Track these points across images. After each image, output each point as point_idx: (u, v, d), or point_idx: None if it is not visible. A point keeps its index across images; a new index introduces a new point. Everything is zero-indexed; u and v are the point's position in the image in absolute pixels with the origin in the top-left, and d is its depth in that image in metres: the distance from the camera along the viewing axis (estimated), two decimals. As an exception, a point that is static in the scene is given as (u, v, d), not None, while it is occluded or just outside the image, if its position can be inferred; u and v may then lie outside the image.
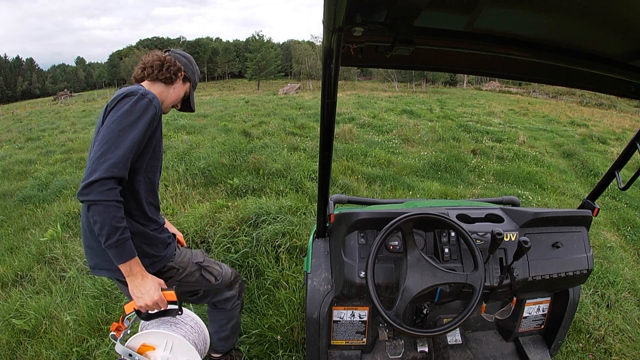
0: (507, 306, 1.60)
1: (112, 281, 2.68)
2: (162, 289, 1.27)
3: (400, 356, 1.75)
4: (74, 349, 2.25)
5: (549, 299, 1.81)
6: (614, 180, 1.64)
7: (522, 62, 1.30)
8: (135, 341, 1.24)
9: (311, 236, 1.80)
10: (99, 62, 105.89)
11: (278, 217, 3.56)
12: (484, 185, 6.19)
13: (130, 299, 1.29)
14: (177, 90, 1.56)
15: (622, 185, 1.55)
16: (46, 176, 6.46)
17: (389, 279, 1.40)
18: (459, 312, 1.27)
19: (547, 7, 0.84)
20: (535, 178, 6.65)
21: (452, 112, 15.78)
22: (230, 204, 4.07)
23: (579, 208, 1.75)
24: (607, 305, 2.90)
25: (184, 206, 4.41)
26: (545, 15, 0.88)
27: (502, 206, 1.72)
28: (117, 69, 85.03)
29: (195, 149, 7.36)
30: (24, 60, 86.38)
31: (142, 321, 1.32)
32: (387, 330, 1.72)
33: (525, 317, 1.80)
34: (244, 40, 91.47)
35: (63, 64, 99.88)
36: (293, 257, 3.09)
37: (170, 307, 1.29)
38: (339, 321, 1.69)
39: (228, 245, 3.20)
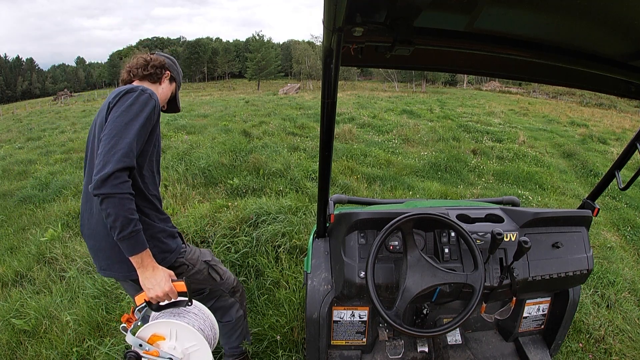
0: (507, 306, 1.60)
1: (115, 281, 2.69)
2: (172, 280, 1.29)
3: (400, 356, 1.75)
4: (74, 349, 2.25)
5: (549, 299, 1.81)
6: (614, 181, 1.64)
7: (522, 62, 1.30)
8: (145, 331, 1.25)
9: (311, 236, 1.81)
10: (99, 62, 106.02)
11: (278, 217, 3.56)
12: (484, 185, 6.19)
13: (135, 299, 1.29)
14: (165, 90, 1.62)
15: (622, 186, 1.55)
16: (46, 176, 6.46)
17: (389, 279, 1.40)
18: (459, 312, 1.27)
19: (547, 7, 0.84)
20: (535, 178, 6.65)
21: (452, 112, 15.78)
22: (230, 204, 4.07)
23: (579, 208, 1.75)
24: (607, 305, 2.90)
25: (184, 206, 4.41)
26: (545, 15, 0.88)
27: (502, 206, 1.72)
28: (117, 69, 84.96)
29: (195, 149, 7.36)
30: (24, 60, 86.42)
31: (153, 312, 1.33)
32: (387, 330, 1.72)
33: (525, 317, 1.80)
34: (244, 40, 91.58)
35: (63, 64, 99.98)
36: (293, 257, 3.09)
37: (180, 298, 1.31)
38: (339, 321, 1.69)
39: (228, 245, 3.20)
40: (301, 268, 2.92)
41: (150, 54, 1.62)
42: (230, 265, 3.00)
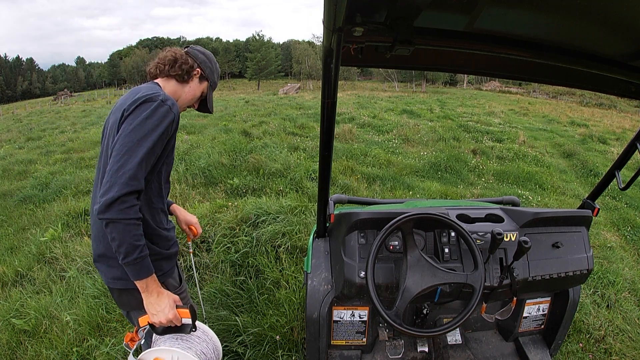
0: (508, 306, 1.60)
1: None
2: (177, 306, 1.27)
3: (400, 356, 1.75)
4: (74, 349, 2.25)
5: (549, 299, 1.81)
6: (614, 181, 1.64)
7: (522, 62, 1.30)
8: (147, 356, 1.24)
9: (311, 236, 1.80)
10: (99, 62, 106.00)
11: (278, 217, 3.56)
12: (484, 185, 6.19)
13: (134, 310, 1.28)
14: (193, 89, 1.49)
15: (622, 186, 1.55)
16: (46, 176, 6.46)
17: (389, 279, 1.40)
18: (459, 312, 1.27)
19: (547, 7, 0.84)
20: (535, 178, 6.65)
21: (452, 112, 15.78)
22: (230, 204, 4.07)
23: (579, 208, 1.75)
24: (607, 305, 2.90)
25: (184, 206, 4.41)
26: (545, 15, 0.88)
27: (502, 206, 1.72)
28: (117, 69, 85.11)
29: (195, 148, 7.36)
30: (24, 60, 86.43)
31: (155, 335, 1.32)
32: (387, 330, 1.72)
33: (525, 317, 1.80)
34: (244, 40, 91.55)
35: (63, 64, 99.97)
36: (293, 257, 3.09)
37: (184, 321, 1.29)
38: (339, 321, 1.69)
39: (228, 245, 3.20)
40: (301, 268, 2.92)
41: (185, 47, 1.50)
42: (230, 265, 3.01)
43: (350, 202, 2.04)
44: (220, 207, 3.96)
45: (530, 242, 1.26)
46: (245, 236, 3.30)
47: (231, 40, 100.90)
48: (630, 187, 1.83)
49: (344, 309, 1.67)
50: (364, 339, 1.73)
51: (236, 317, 2.38)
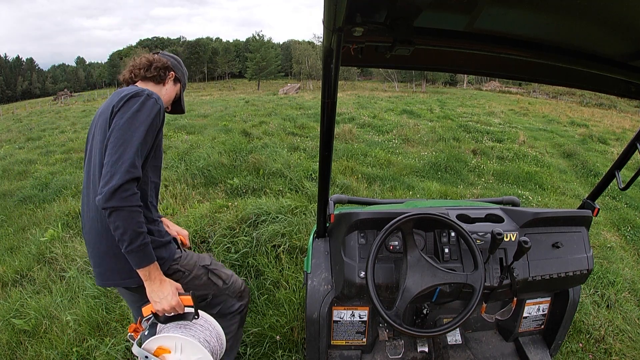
0: (508, 307, 1.60)
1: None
2: (179, 294, 1.29)
3: (400, 356, 1.75)
4: (74, 349, 2.25)
5: (549, 299, 1.81)
6: (614, 181, 1.64)
7: (522, 62, 1.30)
8: (152, 344, 1.25)
9: (311, 236, 1.80)
10: (99, 62, 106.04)
11: (278, 217, 3.55)
12: (484, 185, 6.19)
13: (135, 309, 1.28)
14: (169, 91, 1.57)
15: (622, 186, 1.55)
16: (46, 176, 6.46)
17: (389, 279, 1.40)
18: (459, 312, 1.27)
19: (547, 7, 0.84)
20: (535, 178, 6.65)
21: (452, 112, 15.78)
22: (230, 204, 4.07)
23: (579, 208, 1.75)
24: (607, 306, 2.90)
25: (184, 206, 4.41)
26: (545, 15, 0.88)
27: (502, 206, 1.72)
28: (117, 69, 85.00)
29: (195, 148, 7.36)
30: (24, 60, 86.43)
31: (160, 324, 1.33)
32: (387, 330, 1.72)
33: (525, 317, 1.80)
34: (244, 40, 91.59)
35: (63, 64, 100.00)
36: (293, 257, 3.09)
37: (187, 310, 1.31)
38: (339, 321, 1.69)
39: (228, 245, 3.20)
40: (301, 268, 2.92)
41: (154, 53, 1.57)
42: (230, 265, 3.00)
43: (350, 202, 2.04)
44: (220, 207, 3.96)
45: (530, 242, 1.26)
46: (245, 236, 3.30)
47: (231, 40, 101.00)
48: (630, 187, 1.83)
49: (344, 309, 1.67)
50: (364, 339, 1.73)
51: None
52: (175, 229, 1.76)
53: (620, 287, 3.16)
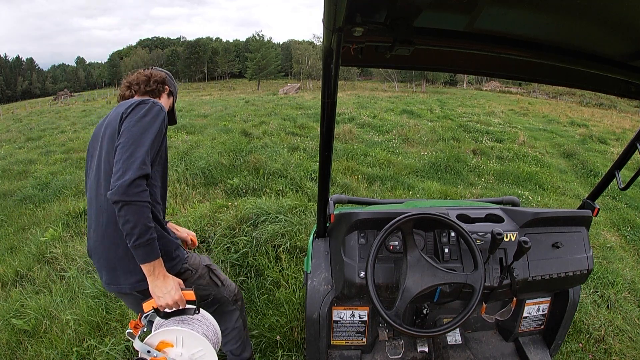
0: (508, 307, 1.60)
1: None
2: (182, 289, 1.31)
3: (400, 356, 1.75)
4: (74, 349, 2.25)
5: (549, 299, 1.81)
6: (614, 181, 1.64)
7: (522, 62, 1.30)
8: (153, 339, 1.26)
9: (311, 236, 1.80)
10: (99, 62, 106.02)
11: (278, 217, 3.55)
12: (484, 185, 6.19)
13: (137, 312, 1.29)
14: (165, 103, 1.66)
15: (622, 186, 1.55)
16: (46, 176, 6.46)
17: (389, 279, 1.40)
18: (459, 312, 1.27)
19: (547, 7, 0.84)
20: (535, 178, 6.65)
21: (452, 112, 15.77)
22: (230, 203, 4.07)
23: (579, 208, 1.75)
24: (607, 306, 2.90)
25: (184, 206, 4.42)
26: (545, 15, 0.88)
27: (502, 206, 1.72)
28: (117, 69, 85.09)
29: (195, 148, 7.36)
30: (24, 60, 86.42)
31: (157, 319, 1.34)
32: (387, 330, 1.72)
33: (525, 317, 1.80)
34: (244, 40, 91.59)
35: (63, 64, 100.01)
36: (293, 257, 3.09)
37: (188, 305, 1.33)
38: (339, 321, 1.69)
39: (228, 245, 3.20)
40: (301, 268, 2.92)
41: (148, 69, 1.67)
42: (230, 265, 3.00)
43: (350, 202, 2.04)
44: (220, 207, 3.96)
45: (530, 242, 1.26)
46: (245, 236, 3.30)
47: (231, 40, 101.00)
48: (630, 187, 1.83)
49: (344, 309, 1.67)
50: (364, 339, 1.73)
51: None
52: (184, 231, 1.86)
53: (620, 287, 3.16)
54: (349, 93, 29.05)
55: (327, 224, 1.68)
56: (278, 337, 2.25)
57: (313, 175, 5.48)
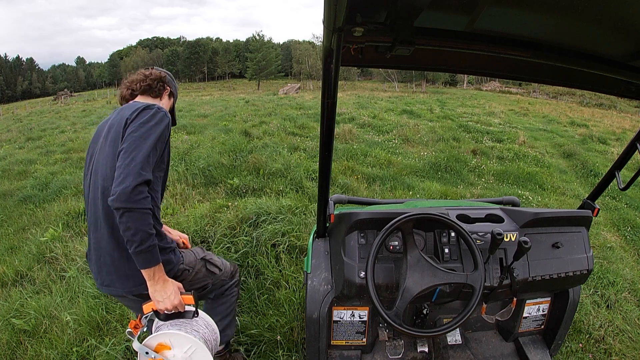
0: (508, 307, 1.60)
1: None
2: (181, 293, 1.32)
3: (400, 356, 1.75)
4: (74, 349, 2.25)
5: (549, 299, 1.81)
6: (614, 181, 1.64)
7: (522, 62, 1.29)
8: (152, 340, 1.28)
9: (311, 236, 1.81)
10: (99, 62, 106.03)
11: (278, 217, 3.55)
12: (484, 185, 6.19)
13: (135, 312, 1.29)
14: (165, 104, 1.65)
15: (622, 186, 1.56)
16: (46, 176, 6.46)
17: (389, 279, 1.41)
18: (459, 313, 1.27)
19: (547, 7, 0.84)
20: (535, 178, 6.65)
21: (452, 113, 15.77)
22: (230, 203, 4.07)
23: (579, 208, 1.74)
24: (607, 306, 2.90)
25: (184, 206, 4.41)
26: (545, 15, 0.88)
27: (502, 206, 1.72)
28: (117, 69, 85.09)
29: (195, 148, 7.36)
30: (24, 60, 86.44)
31: (156, 321, 1.35)
32: (387, 331, 1.72)
33: (525, 318, 1.80)
34: (244, 40, 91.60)
35: (63, 64, 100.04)
36: (293, 257, 3.09)
37: (187, 308, 1.34)
38: (339, 321, 1.69)
39: (228, 245, 3.20)
40: (301, 268, 2.92)
41: (148, 68, 1.66)
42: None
43: (350, 202, 2.04)
44: (221, 207, 3.95)
45: (530, 242, 1.26)
46: (245, 236, 3.30)
47: (231, 40, 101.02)
48: (630, 188, 1.84)
49: (344, 309, 1.67)
50: (364, 339, 1.73)
51: (236, 317, 2.37)
52: (176, 234, 1.86)
53: (620, 287, 3.16)
54: (349, 93, 29.05)
55: (327, 224, 1.68)
56: (278, 337, 2.25)
57: (313, 175, 5.47)
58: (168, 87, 1.66)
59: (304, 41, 68.73)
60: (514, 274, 1.43)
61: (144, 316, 1.33)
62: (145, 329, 1.33)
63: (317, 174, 1.48)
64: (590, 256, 1.58)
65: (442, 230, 1.47)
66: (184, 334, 1.28)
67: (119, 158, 1.23)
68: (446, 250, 1.44)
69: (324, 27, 0.81)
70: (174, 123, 1.78)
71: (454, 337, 1.79)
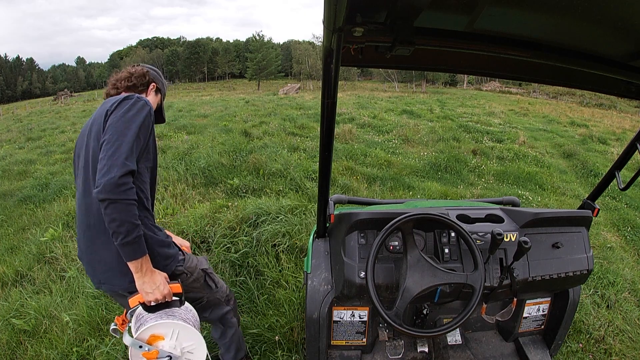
0: (508, 308, 1.60)
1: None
2: (169, 283, 1.32)
3: (400, 356, 1.75)
4: (74, 349, 2.25)
5: (549, 299, 1.81)
6: (614, 181, 1.64)
7: (522, 62, 1.29)
8: (144, 333, 1.27)
9: (311, 236, 1.80)
10: (99, 62, 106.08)
11: (278, 217, 3.55)
12: (484, 185, 6.19)
13: (124, 309, 1.29)
14: (151, 101, 1.63)
15: (622, 186, 1.55)
16: (46, 176, 6.47)
17: (389, 279, 1.40)
18: (459, 313, 1.27)
19: (547, 7, 0.84)
20: (536, 178, 6.65)
21: (452, 113, 15.77)
22: (230, 204, 4.07)
23: (579, 208, 1.74)
24: (607, 306, 2.90)
25: (184, 206, 4.41)
26: (545, 15, 0.88)
27: (502, 206, 1.72)
28: (117, 69, 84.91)
29: (195, 149, 7.36)
30: (24, 60, 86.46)
31: (138, 314, 1.34)
32: (387, 331, 1.72)
33: (525, 318, 1.80)
34: (244, 40, 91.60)
35: (63, 64, 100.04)
36: (293, 257, 3.09)
37: (174, 297, 1.34)
38: (339, 321, 1.69)
39: (228, 245, 3.20)
40: (301, 268, 2.92)
41: (134, 66, 1.65)
42: (230, 265, 3.00)
43: (350, 202, 2.04)
44: (221, 207, 3.96)
45: (530, 242, 1.26)
46: (245, 236, 3.30)
47: (231, 41, 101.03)
48: (630, 188, 1.83)
49: (344, 309, 1.67)
50: (364, 339, 1.73)
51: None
52: (177, 241, 1.82)
53: (620, 287, 3.16)
54: (349, 93, 29.05)
55: (327, 224, 1.68)
56: (278, 337, 2.25)
57: (313, 176, 5.47)
58: (154, 83, 1.63)
59: (304, 41, 68.83)
60: (514, 274, 1.43)
61: (131, 310, 1.32)
62: (132, 323, 1.33)
63: (317, 174, 1.48)
64: (590, 256, 1.58)
65: (442, 230, 1.47)
66: (176, 322, 1.28)
67: (101, 150, 1.21)
68: (446, 251, 1.44)
69: (324, 27, 0.81)
70: (162, 120, 1.77)
71: (454, 337, 1.79)
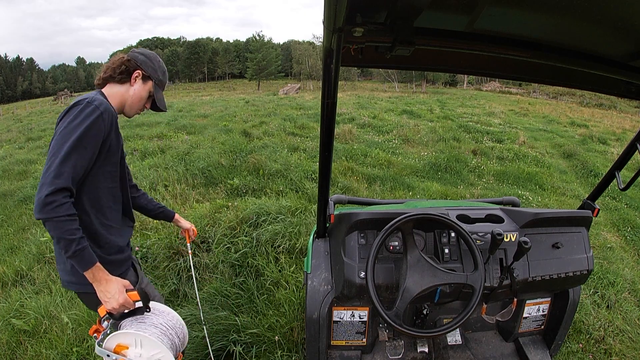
0: (508, 308, 1.60)
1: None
2: (127, 290, 1.30)
3: (400, 356, 1.75)
4: (74, 349, 2.25)
5: (549, 299, 1.81)
6: (614, 181, 1.64)
7: (522, 63, 1.29)
8: (110, 342, 1.27)
9: (311, 236, 1.80)
10: (99, 62, 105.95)
11: (278, 217, 3.56)
12: (484, 185, 6.19)
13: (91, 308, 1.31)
14: (138, 90, 1.48)
15: (622, 186, 1.55)
16: (46, 176, 6.45)
17: (389, 279, 1.40)
18: (459, 313, 1.27)
19: (547, 7, 0.84)
20: (536, 178, 6.65)
21: (453, 113, 15.78)
22: (230, 204, 4.07)
23: (579, 209, 1.74)
24: (607, 306, 2.90)
25: (184, 206, 4.41)
26: (545, 15, 0.88)
27: (502, 207, 1.72)
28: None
29: (195, 149, 7.36)
30: (24, 60, 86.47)
31: (113, 322, 1.35)
32: (387, 331, 1.72)
33: (525, 318, 1.80)
34: (244, 40, 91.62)
35: (63, 64, 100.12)
36: (293, 257, 3.09)
37: (137, 304, 1.32)
38: (339, 321, 1.69)
39: (228, 245, 3.20)
40: (301, 268, 2.92)
41: (123, 54, 1.52)
42: (230, 266, 3.00)
43: (350, 202, 2.05)
44: (220, 207, 3.96)
45: (530, 242, 1.26)
46: (245, 236, 3.30)
47: (231, 41, 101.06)
48: (630, 188, 1.84)
49: (344, 310, 1.67)
50: (364, 340, 1.73)
51: (236, 317, 2.37)
52: (186, 223, 1.89)
53: (620, 287, 3.16)
54: (349, 93, 29.05)
55: (327, 225, 1.68)
56: (278, 337, 2.25)
57: (313, 176, 5.47)
58: (138, 70, 1.46)
59: (304, 41, 68.87)
60: (514, 274, 1.43)
61: (102, 319, 1.32)
62: (107, 331, 1.31)
63: (317, 175, 1.48)
64: (590, 256, 1.58)
65: (442, 230, 1.47)
66: (138, 332, 1.28)
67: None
68: (446, 251, 1.44)
69: (324, 28, 0.81)
70: (163, 109, 1.61)
71: (454, 338, 1.79)
